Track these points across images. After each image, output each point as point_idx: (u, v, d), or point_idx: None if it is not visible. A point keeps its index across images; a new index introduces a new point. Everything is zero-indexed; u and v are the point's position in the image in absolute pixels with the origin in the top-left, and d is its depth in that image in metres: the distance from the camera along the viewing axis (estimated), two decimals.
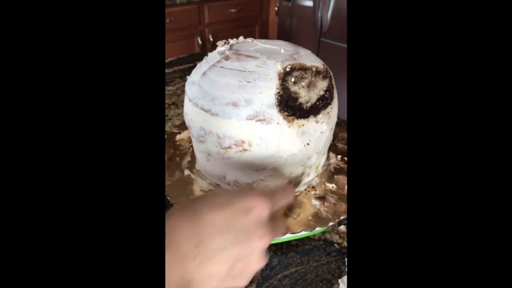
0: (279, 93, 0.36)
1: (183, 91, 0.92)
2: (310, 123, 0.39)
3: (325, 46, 1.69)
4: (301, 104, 0.38)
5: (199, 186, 0.45)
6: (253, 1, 2.19)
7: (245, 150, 0.38)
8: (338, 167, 0.49)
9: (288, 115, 0.37)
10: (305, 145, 0.40)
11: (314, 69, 0.39)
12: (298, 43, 0.46)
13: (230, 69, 0.39)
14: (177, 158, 0.50)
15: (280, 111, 0.36)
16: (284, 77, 0.37)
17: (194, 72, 0.43)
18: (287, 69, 0.37)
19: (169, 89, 0.94)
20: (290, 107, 0.37)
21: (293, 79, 0.37)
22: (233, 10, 2.11)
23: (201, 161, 0.46)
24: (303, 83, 0.38)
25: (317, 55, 0.44)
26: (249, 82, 0.37)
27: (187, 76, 0.45)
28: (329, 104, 0.41)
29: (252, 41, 0.46)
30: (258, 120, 0.36)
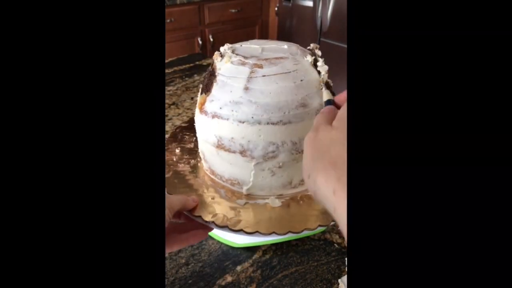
0: (323, 80, 0.40)
1: (183, 91, 0.92)
2: None
3: (325, 46, 1.69)
4: (329, 84, 0.41)
5: (269, 206, 0.41)
6: (253, 1, 2.20)
7: None
8: None
9: (333, 95, 0.40)
10: None
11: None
12: (298, 43, 0.46)
13: (275, 74, 0.38)
14: (212, 197, 0.42)
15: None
16: (315, 66, 0.41)
17: (219, 93, 0.40)
18: (312, 59, 0.41)
19: (169, 89, 0.94)
20: (330, 89, 0.40)
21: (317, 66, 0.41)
22: (233, 10, 2.11)
23: (258, 180, 0.41)
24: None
25: None
26: (302, 80, 0.38)
27: (206, 106, 0.40)
28: None
29: (241, 45, 0.45)
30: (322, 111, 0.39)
